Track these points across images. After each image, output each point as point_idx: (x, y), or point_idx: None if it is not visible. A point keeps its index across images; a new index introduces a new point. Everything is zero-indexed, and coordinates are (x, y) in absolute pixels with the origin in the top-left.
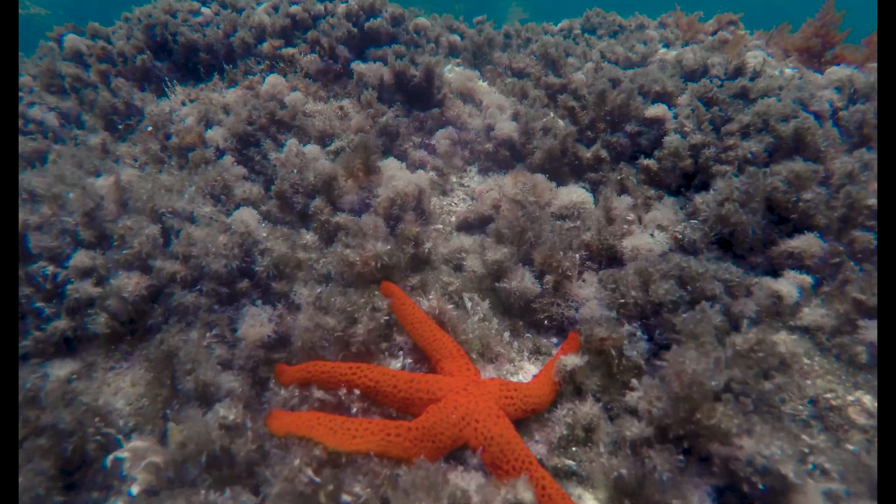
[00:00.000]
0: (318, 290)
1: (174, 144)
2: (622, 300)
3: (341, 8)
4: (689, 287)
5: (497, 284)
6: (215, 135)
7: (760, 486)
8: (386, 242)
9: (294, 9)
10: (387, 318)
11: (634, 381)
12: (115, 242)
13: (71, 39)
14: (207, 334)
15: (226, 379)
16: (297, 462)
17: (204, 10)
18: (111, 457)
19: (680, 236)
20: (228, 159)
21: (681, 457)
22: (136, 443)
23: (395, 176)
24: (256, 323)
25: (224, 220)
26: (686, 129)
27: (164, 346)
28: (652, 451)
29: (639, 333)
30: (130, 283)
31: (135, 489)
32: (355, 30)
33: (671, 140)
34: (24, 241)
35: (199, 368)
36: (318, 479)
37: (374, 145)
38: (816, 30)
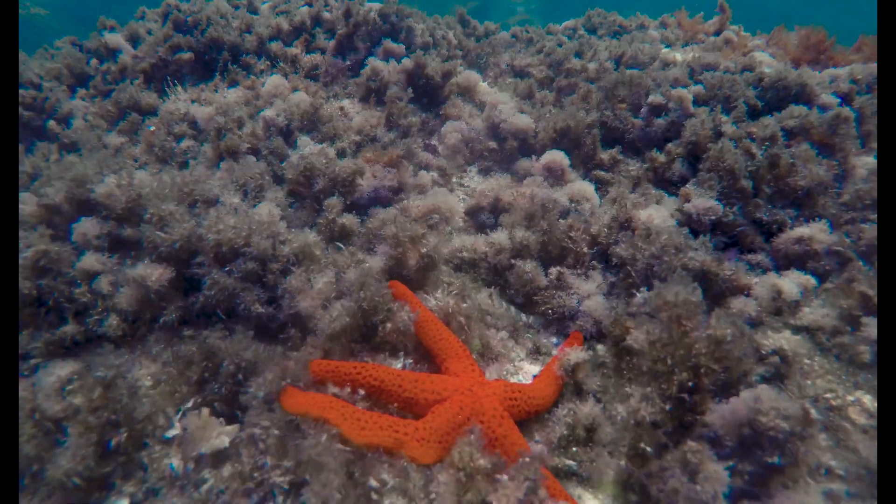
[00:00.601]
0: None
1: (246, 134)
2: (634, 254)
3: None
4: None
5: (513, 261)
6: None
7: (784, 427)
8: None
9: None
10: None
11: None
12: (150, 218)
13: (113, 38)
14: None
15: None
16: (324, 437)
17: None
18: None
19: (690, 189)
20: (251, 159)
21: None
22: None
23: (448, 196)
24: (324, 277)
25: (247, 210)
26: (718, 121)
27: (207, 342)
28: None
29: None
30: (155, 273)
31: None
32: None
33: (694, 122)
34: (75, 222)
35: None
36: (348, 448)
37: (412, 148)
38: (806, 46)
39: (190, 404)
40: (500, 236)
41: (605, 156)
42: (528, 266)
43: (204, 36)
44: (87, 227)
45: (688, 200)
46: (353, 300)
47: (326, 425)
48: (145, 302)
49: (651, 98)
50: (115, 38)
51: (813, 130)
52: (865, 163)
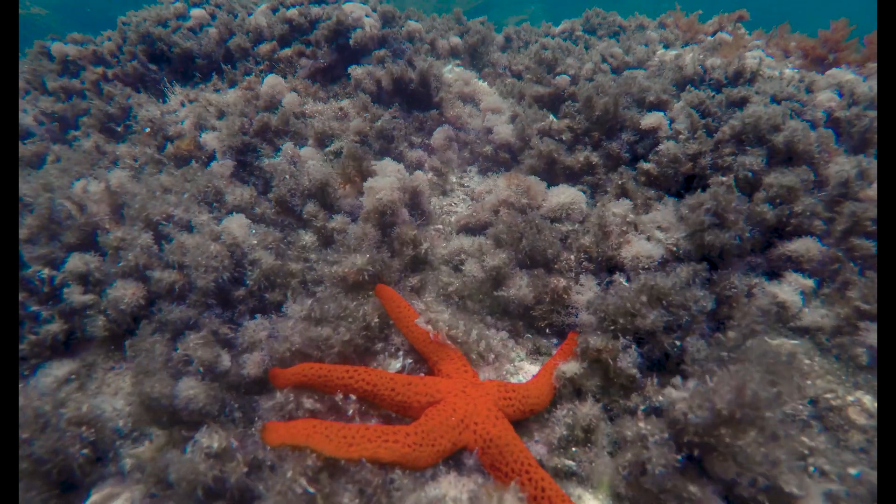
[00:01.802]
0: (309, 301)
1: (170, 153)
2: (612, 327)
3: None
4: (663, 301)
5: (496, 293)
6: (211, 140)
7: None
8: (366, 252)
9: (291, 12)
10: (377, 320)
11: (677, 379)
12: (108, 254)
13: (57, 47)
14: (196, 337)
15: (186, 385)
16: (289, 474)
17: (195, 11)
18: None
19: (674, 248)
20: (216, 165)
21: (679, 456)
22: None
23: (375, 187)
24: (255, 357)
25: (214, 228)
26: (682, 137)
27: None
28: (651, 444)
29: (633, 349)
30: (126, 294)
31: None
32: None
33: (668, 146)
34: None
35: (146, 381)
36: (312, 490)
37: (362, 153)
38: (829, 43)
39: None
40: (474, 268)
41: (579, 159)
42: (512, 291)
43: (173, 52)
44: (29, 249)
45: (674, 254)
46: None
47: (303, 455)
48: (122, 319)
49: (624, 136)
50: (60, 47)
51: (776, 149)
52: (837, 169)
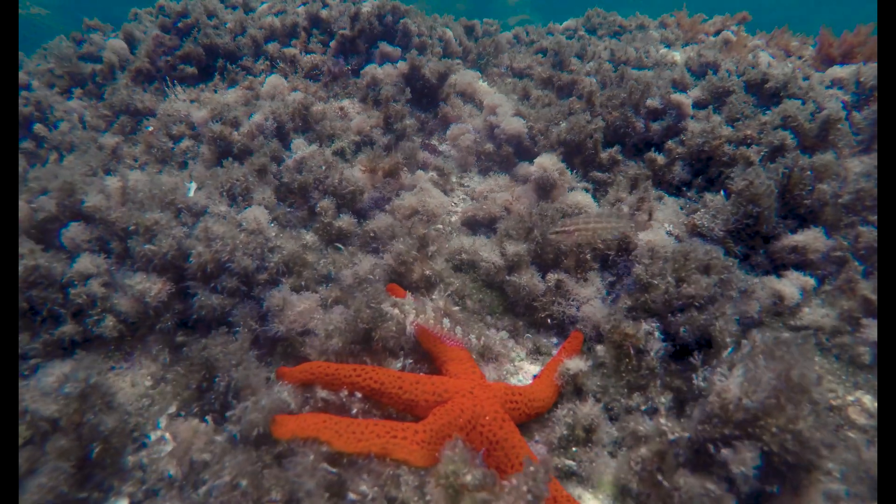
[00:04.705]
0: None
1: (217, 132)
2: (651, 280)
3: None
4: (711, 274)
5: (508, 277)
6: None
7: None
8: (446, 261)
9: (312, 8)
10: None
11: (724, 367)
12: (137, 232)
13: (113, 45)
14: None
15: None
16: (311, 458)
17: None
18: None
19: (699, 222)
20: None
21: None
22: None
23: (428, 190)
24: (306, 300)
25: (234, 217)
26: (712, 121)
27: (205, 351)
28: (686, 473)
29: (657, 334)
30: (154, 288)
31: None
32: (376, 23)
33: (711, 120)
34: (60, 231)
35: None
36: (335, 470)
37: (411, 148)
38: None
39: (194, 409)
40: (493, 255)
41: (604, 155)
42: (524, 279)
43: (197, 42)
44: (75, 232)
45: (697, 228)
46: (350, 318)
47: (315, 444)
48: (143, 312)
49: (649, 102)
50: (116, 43)
51: (804, 134)
52: (860, 162)
